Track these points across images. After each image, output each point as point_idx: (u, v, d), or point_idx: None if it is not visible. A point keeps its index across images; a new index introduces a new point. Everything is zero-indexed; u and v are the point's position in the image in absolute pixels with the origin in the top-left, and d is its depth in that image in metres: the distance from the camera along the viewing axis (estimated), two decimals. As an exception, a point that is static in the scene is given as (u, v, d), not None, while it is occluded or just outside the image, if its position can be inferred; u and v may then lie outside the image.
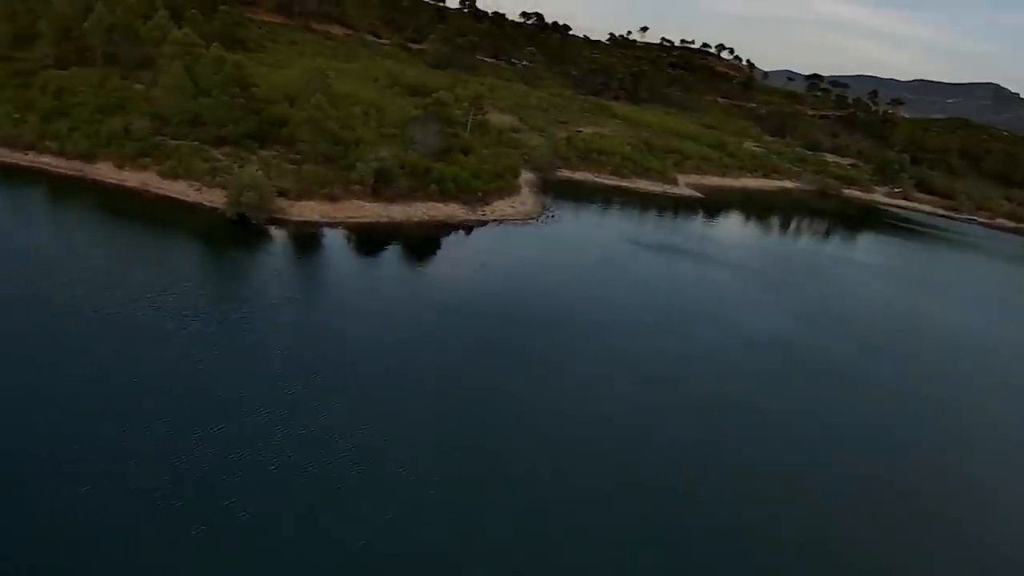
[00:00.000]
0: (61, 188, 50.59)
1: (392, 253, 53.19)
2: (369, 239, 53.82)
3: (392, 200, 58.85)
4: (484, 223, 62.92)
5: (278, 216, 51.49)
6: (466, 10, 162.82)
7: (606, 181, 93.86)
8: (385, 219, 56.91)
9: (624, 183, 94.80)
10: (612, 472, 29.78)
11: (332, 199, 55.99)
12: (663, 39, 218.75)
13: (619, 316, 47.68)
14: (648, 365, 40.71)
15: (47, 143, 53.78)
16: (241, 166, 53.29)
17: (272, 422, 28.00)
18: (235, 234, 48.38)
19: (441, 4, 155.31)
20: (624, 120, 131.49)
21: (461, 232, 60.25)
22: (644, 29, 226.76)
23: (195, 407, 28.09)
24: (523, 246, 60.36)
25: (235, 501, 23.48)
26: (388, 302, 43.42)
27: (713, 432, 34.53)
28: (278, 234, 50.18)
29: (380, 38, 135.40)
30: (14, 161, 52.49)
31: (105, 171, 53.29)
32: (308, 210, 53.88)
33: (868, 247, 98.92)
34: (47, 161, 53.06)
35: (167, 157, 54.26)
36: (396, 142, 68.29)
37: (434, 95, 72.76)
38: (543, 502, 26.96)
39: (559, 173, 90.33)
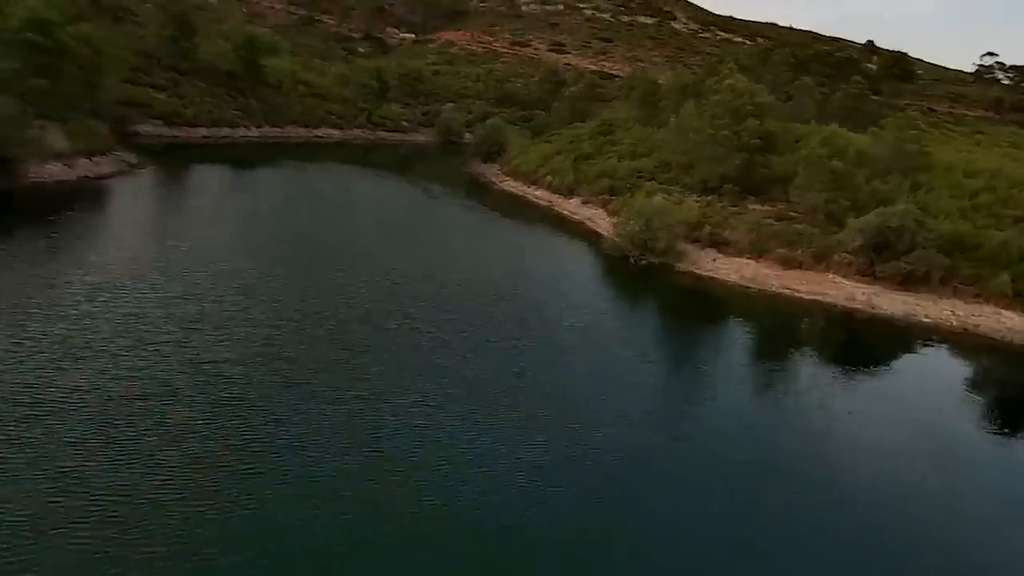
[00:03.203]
0: (530, 213, 49.16)
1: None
2: (830, 327, 32.53)
3: (897, 283, 34.65)
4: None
5: (671, 263, 36.67)
6: None
7: None
8: (861, 306, 33.79)
9: None
10: None
11: (786, 263, 36.79)
12: None
13: None
14: None
15: (547, 178, 53.84)
16: (680, 202, 40.67)
17: None
18: (620, 271, 36.45)
19: None
20: None
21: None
22: None
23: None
24: None
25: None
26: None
27: None
28: (670, 282, 35.47)
29: None
30: (516, 191, 54.61)
31: (569, 205, 49.62)
32: (728, 267, 36.77)
33: None
34: (538, 194, 53.10)
35: (625, 194, 46.58)
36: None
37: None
38: None
39: None
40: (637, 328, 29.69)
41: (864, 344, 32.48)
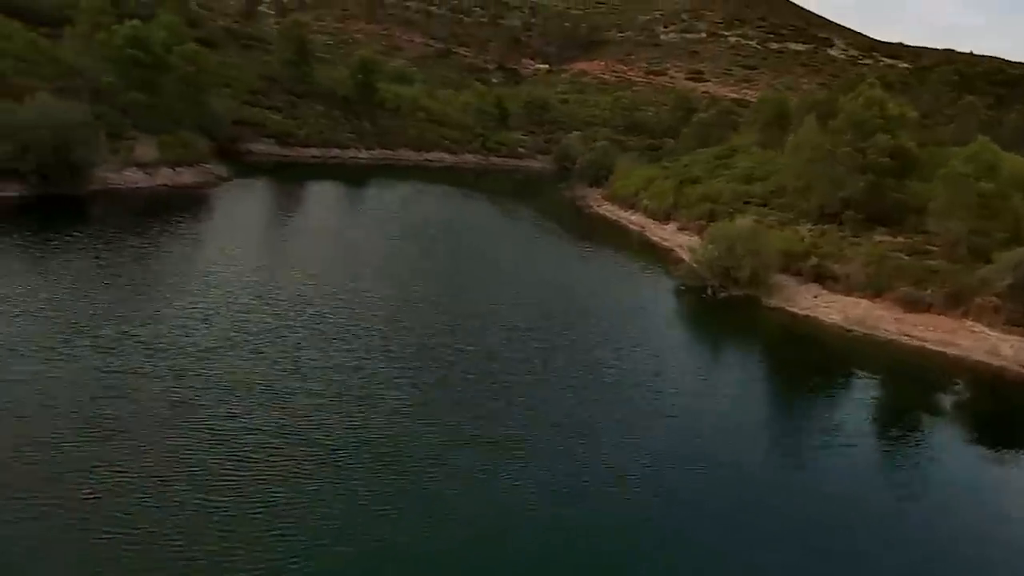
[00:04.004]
0: (616, 239, 44.76)
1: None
2: (967, 387, 25.54)
3: (1060, 337, 26.72)
4: None
5: (759, 296, 30.79)
6: None
7: None
8: (1006, 363, 26.27)
9: None
10: None
11: (909, 304, 29.77)
12: None
13: None
14: None
15: (645, 202, 49.35)
16: (778, 226, 34.67)
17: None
18: (696, 304, 31.20)
19: None
20: None
21: None
22: None
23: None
24: None
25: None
26: None
27: None
28: (755, 318, 29.70)
29: None
30: (611, 216, 50.69)
31: (663, 231, 44.96)
32: (831, 305, 30.34)
33: None
34: (633, 219, 49.02)
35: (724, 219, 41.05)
36: None
37: None
38: None
39: None
40: (703, 380, 24.30)
41: (1016, 411, 25.11)
